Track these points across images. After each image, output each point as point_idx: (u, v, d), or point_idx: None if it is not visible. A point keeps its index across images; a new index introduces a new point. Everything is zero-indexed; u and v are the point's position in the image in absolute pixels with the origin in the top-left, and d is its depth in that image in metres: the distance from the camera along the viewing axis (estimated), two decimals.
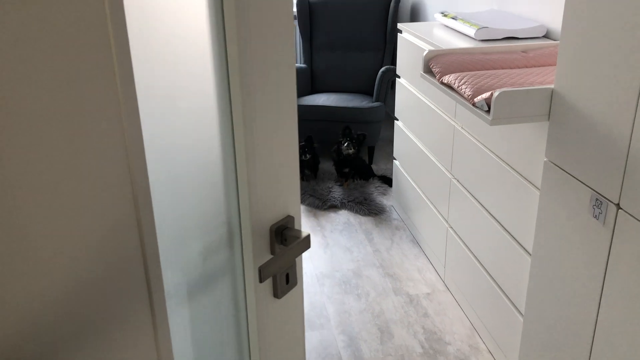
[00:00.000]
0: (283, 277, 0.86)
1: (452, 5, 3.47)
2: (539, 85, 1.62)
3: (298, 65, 4.11)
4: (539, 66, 1.83)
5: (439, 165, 2.54)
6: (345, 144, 3.44)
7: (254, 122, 0.77)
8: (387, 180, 3.54)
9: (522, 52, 1.92)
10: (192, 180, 0.75)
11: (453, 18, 2.71)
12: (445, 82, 1.76)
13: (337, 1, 4.23)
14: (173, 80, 0.70)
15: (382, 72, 3.76)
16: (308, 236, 0.83)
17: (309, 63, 4.22)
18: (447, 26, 2.77)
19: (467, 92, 1.61)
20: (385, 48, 4.11)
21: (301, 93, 4.02)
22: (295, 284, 0.89)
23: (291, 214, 0.86)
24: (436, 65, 1.85)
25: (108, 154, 0.58)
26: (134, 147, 0.61)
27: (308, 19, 4.20)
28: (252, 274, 0.82)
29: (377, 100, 3.78)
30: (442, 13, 2.85)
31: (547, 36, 2.46)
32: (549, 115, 1.49)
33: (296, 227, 0.87)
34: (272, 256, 0.83)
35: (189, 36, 0.72)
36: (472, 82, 1.65)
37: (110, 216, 0.59)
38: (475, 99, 1.56)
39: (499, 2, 2.89)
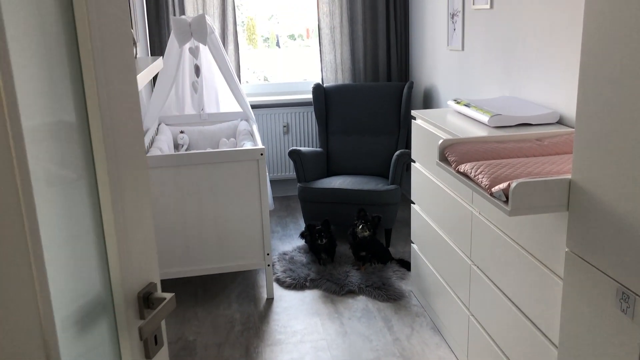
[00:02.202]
0: (153, 339, 0.97)
1: (464, 91, 3.56)
2: (555, 174, 1.62)
3: (314, 149, 4.18)
4: (554, 154, 1.85)
5: (458, 250, 2.52)
6: (360, 227, 3.44)
7: (120, 203, 0.90)
8: (406, 264, 3.50)
9: (537, 140, 1.95)
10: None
11: (466, 105, 2.77)
12: (462, 171, 1.78)
13: (351, 87, 4.36)
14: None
15: (397, 155, 3.81)
16: (173, 297, 0.96)
17: (324, 147, 4.30)
18: (460, 113, 2.83)
19: (484, 182, 1.62)
20: (400, 132, 4.18)
21: (318, 176, 4.07)
22: (162, 344, 1.00)
23: (153, 281, 1.00)
24: (452, 154, 1.88)
25: None
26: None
27: (323, 104, 4.32)
28: (127, 339, 0.91)
29: (392, 183, 3.81)
30: (455, 100, 2.92)
31: (560, 122, 2.50)
32: (568, 205, 1.49)
33: (158, 291, 1.01)
34: (143, 320, 0.94)
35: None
36: (488, 171, 1.66)
37: None
38: (493, 189, 1.57)
39: (510, 88, 2.96)
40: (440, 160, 1.96)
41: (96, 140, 0.87)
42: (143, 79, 2.05)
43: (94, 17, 0.85)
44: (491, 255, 2.16)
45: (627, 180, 1.28)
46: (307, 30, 5.50)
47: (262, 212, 3.13)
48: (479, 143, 1.91)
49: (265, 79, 5.40)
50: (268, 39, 5.51)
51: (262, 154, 3.07)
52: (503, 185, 1.52)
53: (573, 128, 2.39)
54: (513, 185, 1.46)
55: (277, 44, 5.55)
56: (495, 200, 1.56)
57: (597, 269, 1.39)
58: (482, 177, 1.64)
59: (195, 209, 3.07)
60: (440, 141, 1.96)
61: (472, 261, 2.38)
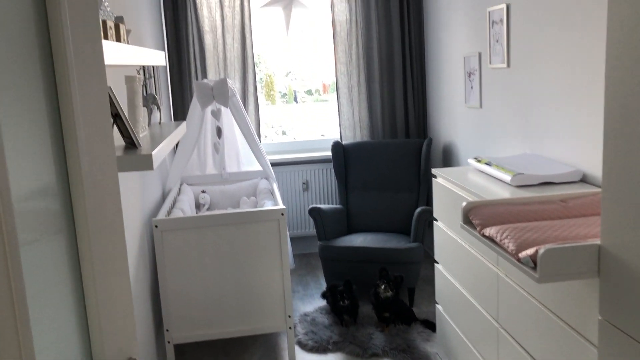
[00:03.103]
0: None
1: (483, 148, 3.56)
2: (583, 239, 1.59)
3: (334, 206, 4.18)
4: (580, 216, 1.82)
5: (485, 312, 2.45)
6: (383, 287, 3.39)
7: (99, 283, 0.95)
8: (431, 325, 3.42)
9: (561, 201, 1.92)
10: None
11: (487, 163, 2.77)
12: (487, 235, 1.75)
13: (370, 144, 4.39)
14: None
15: (419, 212, 3.79)
16: None
17: (344, 203, 4.30)
18: (481, 171, 2.82)
19: (511, 247, 1.59)
20: (420, 188, 4.17)
21: (338, 233, 4.05)
22: None
23: (132, 356, 1.05)
24: (476, 217, 1.86)
25: None
26: None
27: (343, 161, 4.34)
28: None
29: (414, 241, 3.77)
30: (475, 158, 2.92)
31: (584, 180, 2.47)
32: (599, 271, 1.45)
33: None
34: None
35: None
36: (514, 236, 1.63)
37: None
38: (520, 255, 1.54)
39: (531, 146, 2.95)
40: (464, 222, 1.94)
41: (79, 222, 0.91)
42: (167, 145, 2.09)
43: (77, 106, 0.90)
44: (520, 319, 2.10)
45: None
46: (324, 85, 5.61)
47: (283, 273, 3.11)
48: (503, 205, 1.89)
49: (284, 133, 5.49)
50: (286, 94, 5.63)
51: (282, 214, 3.07)
52: (530, 251, 1.49)
53: (597, 187, 2.36)
54: (541, 251, 1.44)
55: (295, 99, 5.67)
56: (523, 267, 1.52)
57: (634, 339, 1.34)
58: (509, 242, 1.61)
59: (216, 270, 3.06)
60: (464, 204, 1.94)
61: (499, 324, 2.31)
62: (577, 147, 2.55)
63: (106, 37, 1.60)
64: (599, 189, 2.22)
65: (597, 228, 1.67)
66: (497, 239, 1.68)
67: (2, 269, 0.64)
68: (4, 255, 0.64)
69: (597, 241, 1.45)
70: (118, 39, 1.77)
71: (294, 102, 5.70)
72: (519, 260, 1.55)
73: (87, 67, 0.94)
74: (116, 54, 1.44)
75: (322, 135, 5.40)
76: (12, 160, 0.70)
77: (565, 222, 1.72)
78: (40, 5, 0.82)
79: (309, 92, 5.74)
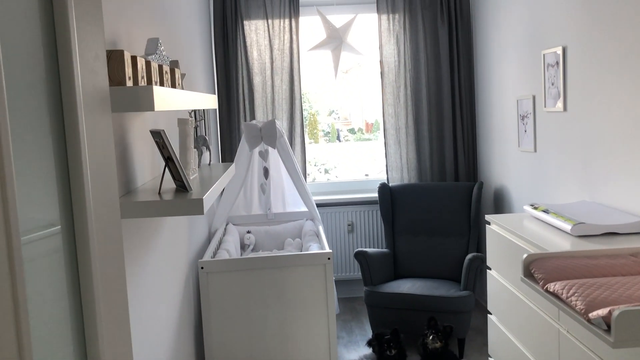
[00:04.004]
0: None
1: (538, 194, 3.43)
2: None
3: (380, 250, 4.09)
4: None
5: None
6: (431, 337, 3.25)
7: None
8: None
9: (632, 255, 1.79)
10: None
11: (544, 211, 2.65)
12: (551, 290, 1.64)
13: (418, 186, 4.31)
14: None
15: (470, 259, 3.65)
16: None
17: (391, 247, 4.19)
18: (537, 219, 2.70)
19: (579, 305, 1.48)
20: (470, 234, 4.04)
21: (384, 279, 3.94)
22: None
23: None
24: (538, 271, 1.75)
25: None
26: None
27: (390, 203, 4.26)
28: None
29: (465, 289, 3.63)
30: (531, 205, 2.80)
31: None
32: None
33: None
34: None
35: None
36: (582, 293, 1.52)
37: None
38: (590, 315, 1.42)
39: (590, 193, 2.82)
40: (525, 275, 1.83)
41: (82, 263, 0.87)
42: (217, 189, 2.08)
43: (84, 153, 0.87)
44: None
45: None
46: (367, 123, 5.61)
47: (329, 319, 3.02)
48: (568, 258, 1.78)
49: (326, 171, 5.49)
50: (329, 133, 5.65)
51: (329, 258, 3.01)
52: (603, 312, 1.38)
53: None
54: (616, 313, 1.32)
55: (338, 138, 5.68)
56: (594, 328, 1.41)
57: None
58: (576, 300, 1.50)
59: (261, 313, 3.00)
60: (525, 255, 1.84)
61: None
62: None
63: (162, 82, 1.61)
64: None
65: None
66: (563, 297, 1.57)
67: (6, 300, 0.62)
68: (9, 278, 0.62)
69: None
70: (173, 84, 1.78)
71: (337, 141, 5.71)
72: (589, 320, 1.43)
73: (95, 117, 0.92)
74: (172, 99, 1.43)
75: (366, 175, 5.36)
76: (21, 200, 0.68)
77: (637, 280, 1.60)
78: (52, 47, 0.80)
79: (352, 131, 5.76)
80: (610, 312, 1.35)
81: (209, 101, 2.10)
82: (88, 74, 0.88)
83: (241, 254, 3.79)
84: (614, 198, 2.63)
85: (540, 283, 1.71)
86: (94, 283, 0.90)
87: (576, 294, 1.53)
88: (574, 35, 2.90)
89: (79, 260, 0.88)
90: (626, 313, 1.32)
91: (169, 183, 1.98)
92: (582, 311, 1.46)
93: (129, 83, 1.27)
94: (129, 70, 1.30)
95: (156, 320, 2.20)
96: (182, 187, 1.91)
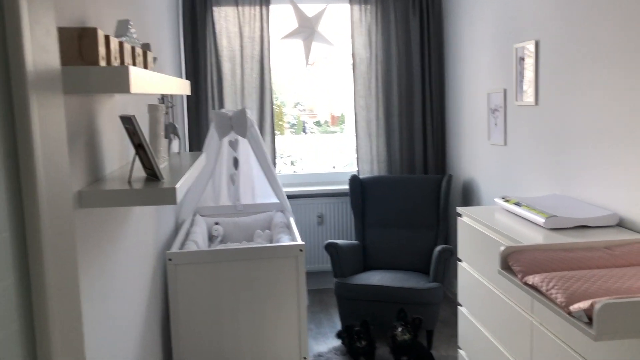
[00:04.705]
0: None
1: (507, 187, 3.46)
2: (638, 291, 1.47)
3: (351, 242, 4.07)
4: (628, 265, 1.71)
5: None
6: (400, 329, 3.24)
7: None
8: None
9: (606, 248, 1.81)
10: None
11: (516, 204, 2.66)
12: (530, 283, 1.64)
13: (388, 179, 4.30)
14: None
15: (439, 251, 3.66)
16: None
17: (361, 239, 4.18)
18: (509, 211, 2.71)
19: (560, 298, 1.48)
20: (439, 226, 4.06)
21: (354, 271, 3.92)
22: None
23: None
24: (516, 264, 1.75)
25: None
26: None
27: (360, 196, 4.24)
28: None
29: (434, 281, 3.64)
30: (503, 198, 2.81)
31: (620, 225, 2.36)
32: None
33: None
34: None
35: None
36: (562, 286, 1.52)
37: None
38: (572, 308, 1.42)
39: (561, 187, 2.85)
40: (502, 268, 1.83)
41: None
42: (190, 177, 2.00)
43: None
44: None
45: None
46: (332, 116, 5.60)
47: (300, 312, 2.99)
48: (545, 251, 1.78)
49: (292, 163, 5.46)
50: (295, 125, 5.62)
51: (301, 250, 2.96)
52: (584, 305, 1.38)
53: (635, 231, 2.25)
54: (598, 306, 1.32)
55: (304, 130, 5.65)
56: (575, 321, 1.40)
57: None
58: (557, 293, 1.50)
59: (230, 305, 2.94)
60: (502, 248, 1.83)
61: None
62: (612, 189, 2.45)
63: (134, 65, 1.53)
64: None
65: None
66: (543, 289, 1.57)
67: None
68: None
69: None
70: (145, 68, 1.70)
71: (303, 133, 5.68)
72: (570, 313, 1.43)
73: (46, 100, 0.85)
74: (148, 81, 1.36)
75: (334, 167, 5.35)
76: None
77: (614, 272, 1.61)
78: None
79: (317, 123, 5.74)
80: (592, 305, 1.35)
81: (184, 86, 2.03)
82: (39, 51, 0.81)
83: (209, 246, 3.71)
84: (585, 191, 2.66)
85: (519, 276, 1.71)
86: (45, 276, 0.83)
87: (556, 287, 1.52)
88: (547, 29, 2.91)
89: (29, 254, 0.81)
90: (608, 306, 1.32)
91: (139, 171, 1.90)
92: (563, 304, 1.46)
93: (102, 64, 1.20)
94: (102, 50, 1.22)
95: (122, 313, 2.11)
96: (152, 175, 1.84)
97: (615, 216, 2.36)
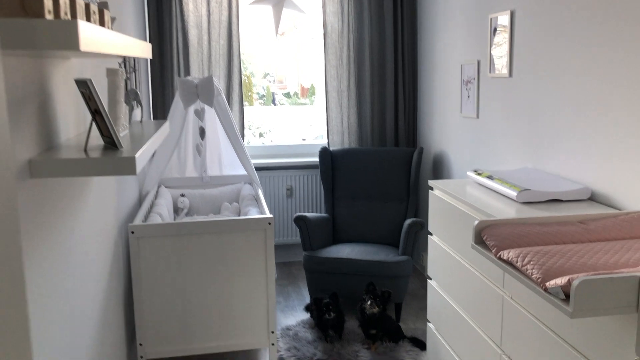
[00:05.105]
0: None
1: (478, 160, 3.43)
2: (612, 267, 1.45)
3: (320, 214, 4.01)
4: (603, 240, 1.68)
5: (485, 336, 2.30)
6: (369, 303, 3.22)
7: None
8: (419, 343, 3.26)
9: (581, 223, 1.78)
10: None
11: (488, 177, 2.63)
12: (505, 258, 1.60)
13: (359, 151, 4.23)
14: None
15: (409, 224, 3.63)
16: None
17: (330, 212, 4.12)
18: (481, 184, 2.68)
19: (535, 274, 1.44)
20: (409, 199, 4.02)
21: (324, 244, 3.87)
22: None
23: None
24: (490, 238, 1.70)
25: None
26: None
27: (330, 168, 4.17)
28: None
29: (403, 254, 3.62)
30: (475, 171, 2.78)
31: (592, 199, 2.35)
32: (638, 306, 1.31)
33: None
34: None
35: None
36: (538, 261, 1.48)
37: None
38: (548, 284, 1.38)
39: (533, 160, 2.83)
40: (476, 242, 1.79)
41: None
42: (151, 147, 1.89)
43: None
44: (528, 348, 1.95)
45: None
46: (302, 88, 5.51)
47: (268, 286, 2.92)
48: (519, 225, 1.74)
49: (261, 135, 5.37)
50: (264, 96, 5.52)
51: (270, 223, 2.89)
52: (561, 281, 1.34)
53: (607, 206, 2.24)
54: (576, 282, 1.28)
55: (273, 102, 5.56)
56: (551, 297, 1.37)
57: None
58: (532, 269, 1.46)
59: (196, 280, 2.86)
60: (476, 222, 1.79)
61: (502, 350, 2.16)
62: (584, 163, 2.43)
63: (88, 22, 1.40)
64: (618, 210, 2.09)
65: (625, 255, 1.53)
66: (518, 264, 1.53)
67: None
68: None
69: (637, 272, 1.31)
70: (102, 26, 1.57)
71: (272, 104, 5.58)
72: (545, 290, 1.39)
73: None
74: (101, 40, 1.24)
75: (303, 139, 5.26)
76: None
77: (589, 248, 1.58)
78: None
79: (287, 95, 5.65)
80: (569, 281, 1.31)
81: (144, 49, 1.90)
82: None
83: (174, 219, 3.61)
84: (557, 165, 2.64)
85: (493, 250, 1.67)
86: None
87: (531, 262, 1.49)
88: None
89: None
90: (586, 282, 1.28)
91: (97, 140, 1.78)
92: (539, 280, 1.42)
93: (49, 18, 1.08)
94: (49, 3, 1.10)
95: (79, 291, 2.01)
96: (111, 144, 1.72)
97: (587, 190, 2.34)
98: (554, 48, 2.61)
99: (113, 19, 1.92)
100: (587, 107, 2.40)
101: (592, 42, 2.34)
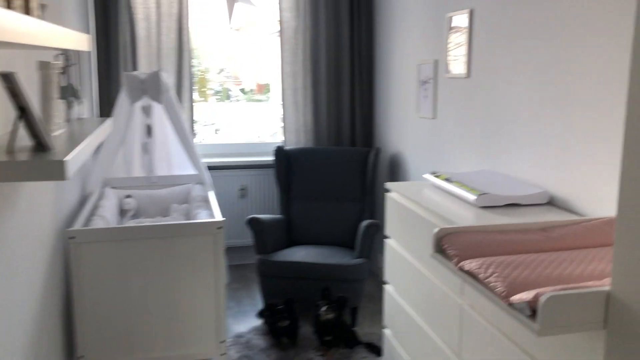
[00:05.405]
0: None
1: (436, 161, 3.37)
2: (578, 279, 1.39)
3: (274, 216, 3.88)
4: (566, 249, 1.63)
5: (443, 345, 2.23)
6: (324, 309, 3.12)
7: None
8: (375, 349, 3.18)
9: (542, 230, 1.72)
10: None
11: (447, 179, 2.56)
12: (467, 269, 1.52)
13: (315, 151, 4.13)
14: None
15: (365, 226, 3.55)
16: None
17: (285, 213, 4.00)
18: (439, 187, 2.61)
19: (499, 287, 1.36)
20: (365, 200, 3.95)
21: (278, 246, 3.75)
22: None
23: None
24: (451, 247, 1.62)
25: None
26: None
27: (285, 168, 4.05)
28: None
29: (360, 257, 3.53)
30: (433, 173, 2.71)
31: (551, 203, 2.31)
32: (605, 323, 1.24)
33: None
34: None
35: None
36: (501, 273, 1.40)
37: None
38: (513, 299, 1.31)
39: (490, 162, 2.78)
40: (436, 251, 1.70)
41: None
42: (87, 148, 1.73)
43: None
44: (488, 358, 1.89)
45: None
46: (258, 85, 5.40)
47: (218, 293, 2.78)
48: (481, 233, 1.67)
49: (216, 131, 5.22)
50: (219, 92, 5.37)
51: (220, 227, 2.75)
52: (527, 296, 1.26)
53: (565, 210, 2.20)
54: (543, 298, 1.21)
55: (228, 98, 5.43)
56: (517, 314, 1.29)
57: None
58: (496, 282, 1.38)
59: (141, 287, 2.70)
60: (436, 230, 1.71)
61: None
62: (542, 166, 2.39)
63: (9, 9, 1.24)
64: (578, 217, 2.05)
65: (589, 266, 1.47)
66: (481, 276, 1.45)
67: None
68: None
69: (606, 288, 1.24)
70: (27, 13, 1.40)
71: (227, 100, 5.43)
72: (510, 305, 1.31)
73: None
74: (20, 28, 1.08)
75: (259, 137, 5.13)
76: None
77: (553, 257, 1.52)
78: None
79: (243, 91, 5.52)
80: (536, 297, 1.24)
81: (79, 41, 1.73)
82: None
83: (120, 221, 3.41)
84: (515, 168, 2.60)
85: (454, 260, 1.59)
86: None
87: (495, 274, 1.41)
88: None
89: None
90: (554, 299, 1.21)
91: (26, 140, 1.61)
92: (503, 294, 1.34)
93: None
94: None
95: (13, 302, 1.83)
96: (41, 145, 1.56)
97: (545, 194, 2.30)
98: (513, 49, 2.56)
99: (44, 6, 1.75)
100: (545, 109, 2.36)
101: (551, 42, 2.29)
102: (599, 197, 2.06)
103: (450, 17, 3.09)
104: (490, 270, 1.43)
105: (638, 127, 1.15)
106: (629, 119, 1.17)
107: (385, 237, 2.84)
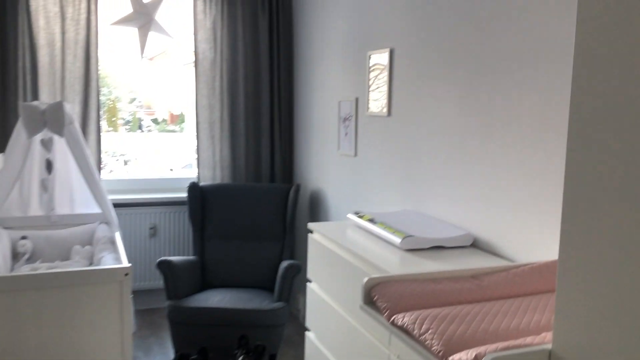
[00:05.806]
0: None
1: (357, 199, 3.31)
2: (515, 333, 1.32)
3: (187, 257, 3.65)
4: (497, 298, 1.57)
5: None
6: (241, 358, 2.92)
7: None
8: None
9: (473, 278, 1.66)
10: None
11: (370, 220, 2.48)
12: (400, 325, 1.41)
13: (232, 187, 3.96)
14: None
15: (285, 268, 3.40)
16: None
17: (200, 254, 3.78)
18: (362, 228, 2.52)
19: (436, 346, 1.26)
20: (285, 239, 3.80)
21: (191, 290, 3.51)
22: None
23: None
24: (382, 299, 1.52)
25: None
26: None
27: (200, 205, 3.85)
28: None
29: (279, 300, 3.37)
30: (356, 213, 2.63)
31: (474, 245, 2.28)
32: None
33: None
34: None
35: None
36: (437, 329, 1.31)
37: None
38: (451, 359, 1.21)
39: (413, 202, 2.74)
40: (365, 302, 1.59)
41: None
42: None
43: None
44: None
45: (617, 350, 1.00)
46: (171, 115, 5.20)
47: (123, 345, 2.52)
48: (412, 283, 1.58)
49: (125, 163, 4.93)
50: (130, 122, 5.11)
51: (127, 274, 2.51)
52: (467, 357, 1.17)
53: (488, 252, 2.18)
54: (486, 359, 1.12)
55: (140, 128, 5.19)
56: None
57: None
58: (432, 339, 1.28)
59: (37, 341, 2.39)
60: (366, 279, 1.60)
61: None
62: (465, 207, 2.36)
63: None
64: (507, 262, 2.03)
65: (524, 318, 1.41)
66: (415, 333, 1.35)
67: None
68: None
69: (548, 346, 1.17)
70: None
71: (139, 131, 5.17)
72: None
73: None
74: None
75: (171, 169, 4.89)
76: None
77: (487, 309, 1.45)
78: None
79: (155, 121, 5.30)
80: (476, 358, 1.15)
81: None
82: None
83: (12, 266, 3.06)
84: (437, 208, 2.56)
85: (386, 314, 1.48)
86: None
87: (430, 331, 1.31)
88: (402, 37, 2.79)
89: None
90: None
91: None
92: (440, 354, 1.24)
93: None
94: None
95: None
96: None
97: (469, 236, 2.27)
98: (433, 87, 2.55)
99: None
100: (465, 150, 2.35)
101: (471, 81, 2.30)
102: (521, 240, 2.05)
103: (371, 55, 3.07)
104: (424, 326, 1.34)
105: (579, 163, 1.10)
106: (569, 154, 1.12)
107: (307, 280, 2.71)
